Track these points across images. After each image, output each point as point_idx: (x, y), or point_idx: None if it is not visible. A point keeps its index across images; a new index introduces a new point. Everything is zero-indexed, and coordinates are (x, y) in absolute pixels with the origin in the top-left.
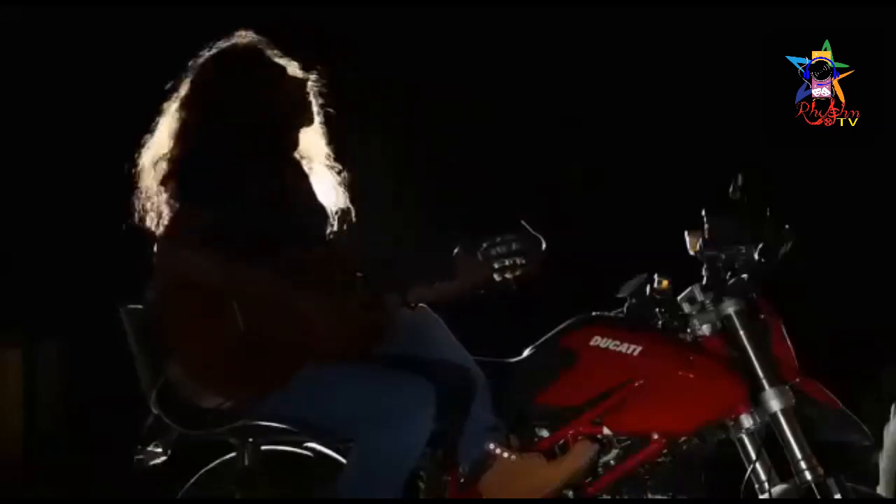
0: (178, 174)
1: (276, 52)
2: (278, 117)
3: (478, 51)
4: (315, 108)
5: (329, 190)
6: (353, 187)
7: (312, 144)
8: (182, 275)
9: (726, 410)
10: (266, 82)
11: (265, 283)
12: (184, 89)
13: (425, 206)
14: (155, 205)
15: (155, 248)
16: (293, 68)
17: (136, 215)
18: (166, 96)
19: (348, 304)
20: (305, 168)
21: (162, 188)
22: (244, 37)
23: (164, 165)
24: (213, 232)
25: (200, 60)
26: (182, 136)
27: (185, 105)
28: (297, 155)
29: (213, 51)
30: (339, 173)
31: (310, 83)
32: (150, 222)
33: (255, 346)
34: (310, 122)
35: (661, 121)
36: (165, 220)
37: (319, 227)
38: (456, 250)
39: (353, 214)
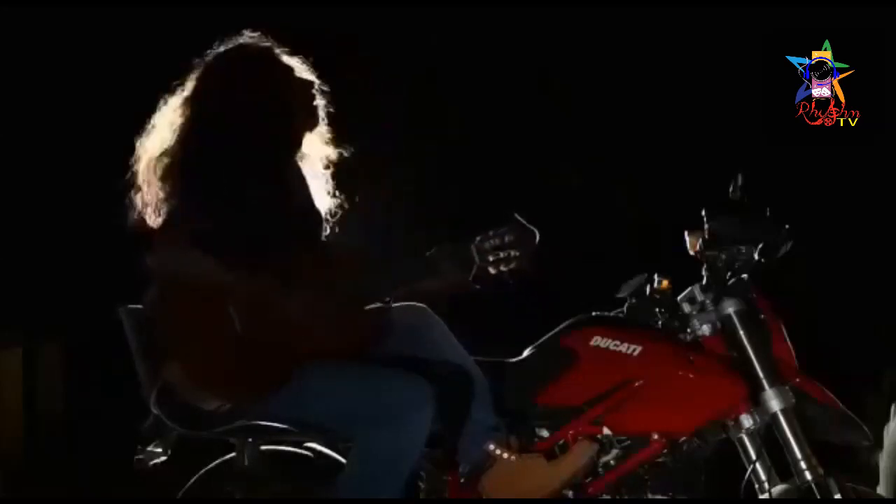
0: (179, 174)
1: (283, 51)
2: (284, 120)
3: (477, 50)
4: (321, 112)
5: (324, 192)
6: (350, 186)
7: (313, 147)
8: (176, 275)
9: (726, 410)
10: (274, 83)
11: (262, 284)
12: (190, 85)
13: (420, 203)
14: (154, 200)
15: (151, 247)
16: (301, 69)
17: (136, 210)
18: (170, 90)
19: (346, 305)
20: (304, 170)
21: (161, 184)
22: (252, 37)
23: (165, 161)
24: (212, 235)
25: (208, 58)
26: (186, 133)
27: (191, 101)
28: (297, 158)
29: (222, 49)
30: (334, 176)
31: (316, 85)
32: (149, 218)
33: (254, 346)
34: (314, 125)
35: (662, 120)
36: (163, 216)
37: (316, 228)
38: (449, 245)
39: (346, 212)
